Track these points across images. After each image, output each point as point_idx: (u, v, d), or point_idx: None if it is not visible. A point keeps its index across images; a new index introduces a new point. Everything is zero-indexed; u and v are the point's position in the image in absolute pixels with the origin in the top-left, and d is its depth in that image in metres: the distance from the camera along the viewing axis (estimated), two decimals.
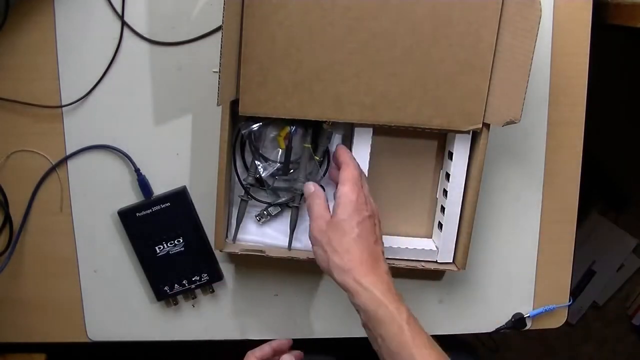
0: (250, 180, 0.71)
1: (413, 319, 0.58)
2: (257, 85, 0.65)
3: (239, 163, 0.72)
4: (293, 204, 0.72)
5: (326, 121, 0.67)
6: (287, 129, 0.68)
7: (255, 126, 0.68)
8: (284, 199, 0.72)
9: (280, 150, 0.70)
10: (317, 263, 0.62)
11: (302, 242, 0.73)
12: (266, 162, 0.70)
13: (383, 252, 0.63)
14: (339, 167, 0.65)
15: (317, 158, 0.70)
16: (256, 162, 0.70)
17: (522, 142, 0.77)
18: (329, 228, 0.61)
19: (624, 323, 1.63)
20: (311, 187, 0.66)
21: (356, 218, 0.60)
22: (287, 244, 0.73)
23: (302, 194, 0.69)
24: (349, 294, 0.59)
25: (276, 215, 0.73)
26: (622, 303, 1.62)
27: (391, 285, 0.60)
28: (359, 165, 0.66)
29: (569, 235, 0.80)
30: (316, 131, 0.70)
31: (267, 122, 0.68)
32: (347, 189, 0.62)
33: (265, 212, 0.73)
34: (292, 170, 0.71)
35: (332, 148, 0.71)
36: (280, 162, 0.70)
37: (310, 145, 0.69)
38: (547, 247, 0.80)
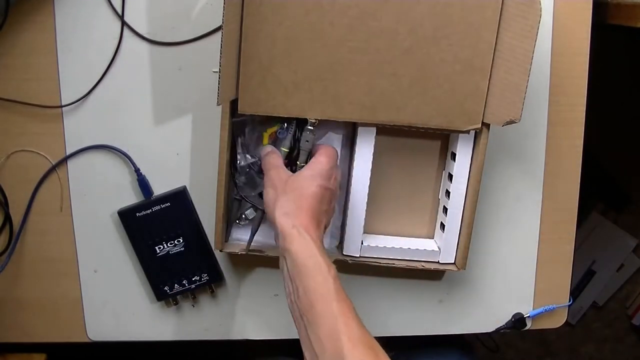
0: (243, 179, 0.71)
1: (339, 280, 0.57)
2: (256, 85, 0.65)
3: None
4: (260, 207, 0.71)
5: (313, 121, 0.67)
6: (276, 127, 0.69)
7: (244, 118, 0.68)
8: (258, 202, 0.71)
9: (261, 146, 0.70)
10: (264, 201, 0.63)
11: None
12: (247, 155, 0.70)
13: (326, 226, 0.64)
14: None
15: (300, 164, 0.68)
16: (237, 152, 0.70)
17: (522, 142, 0.77)
18: (290, 178, 0.63)
19: (624, 323, 1.63)
20: (268, 147, 0.68)
21: (319, 181, 0.62)
22: None
23: None
24: (283, 237, 0.58)
25: (253, 219, 0.73)
26: (622, 303, 1.62)
27: (324, 248, 0.60)
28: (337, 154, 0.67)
29: (569, 235, 0.80)
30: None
31: (260, 118, 0.68)
32: (323, 159, 0.64)
33: (242, 215, 0.73)
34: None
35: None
36: (258, 159, 0.69)
37: (287, 150, 0.68)
38: (547, 247, 0.80)
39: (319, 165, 0.63)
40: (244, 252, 0.71)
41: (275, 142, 0.69)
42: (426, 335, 0.80)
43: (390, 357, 0.56)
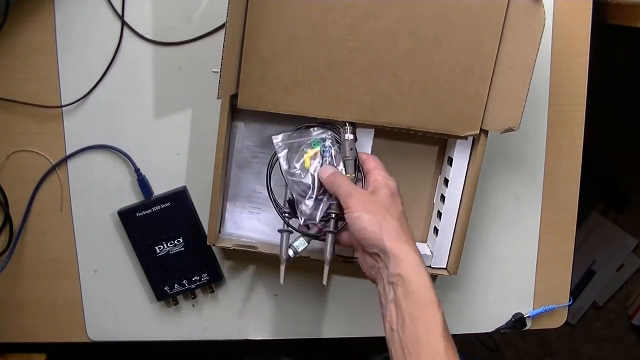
0: (287, 208, 0.66)
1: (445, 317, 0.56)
2: (257, 80, 0.65)
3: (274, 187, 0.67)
4: (329, 229, 0.65)
5: (349, 128, 0.65)
6: (317, 147, 0.65)
7: (283, 138, 0.65)
8: (313, 231, 0.65)
9: (304, 170, 0.65)
10: (356, 228, 0.59)
11: None
12: (295, 183, 0.65)
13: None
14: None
15: (351, 175, 0.64)
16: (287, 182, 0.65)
17: (522, 142, 0.77)
18: (376, 200, 0.61)
19: (624, 323, 1.63)
20: (329, 168, 0.64)
21: (399, 199, 0.62)
22: (277, 239, 0.70)
23: (336, 218, 0.64)
24: (396, 263, 0.56)
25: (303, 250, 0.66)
26: (622, 303, 1.62)
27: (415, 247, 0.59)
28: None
29: (569, 235, 0.80)
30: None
31: (300, 136, 0.66)
32: (383, 172, 0.63)
33: (291, 250, 0.65)
34: (321, 194, 0.65)
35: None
36: (309, 185, 0.65)
37: (353, 176, 0.64)
38: (547, 247, 0.80)
39: (389, 181, 0.62)
40: (236, 247, 0.70)
41: (322, 162, 0.65)
42: None
43: (382, 359, 0.56)
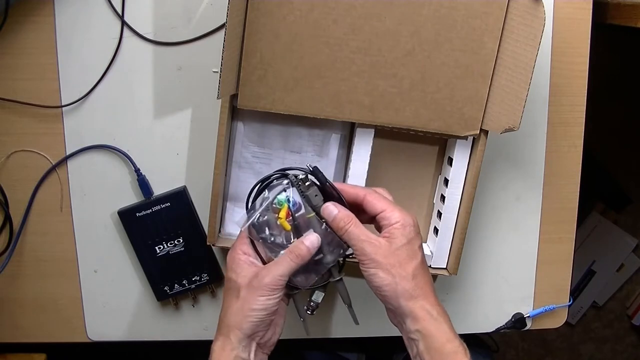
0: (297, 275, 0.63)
1: None
2: (257, 79, 0.65)
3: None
4: (334, 279, 0.63)
5: (299, 174, 0.61)
6: (285, 206, 0.60)
7: (254, 217, 0.61)
8: (317, 280, 0.63)
9: (286, 232, 0.61)
10: (372, 285, 0.59)
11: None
12: (280, 253, 0.61)
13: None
14: (357, 206, 0.61)
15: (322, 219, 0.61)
16: (273, 257, 0.61)
17: (522, 142, 0.77)
18: (392, 251, 0.58)
19: (624, 323, 1.63)
20: (332, 207, 0.60)
21: (417, 242, 0.59)
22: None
23: (338, 265, 0.64)
24: (414, 320, 0.57)
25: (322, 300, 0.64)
26: (622, 303, 1.62)
27: (451, 322, 0.58)
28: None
29: (569, 235, 0.80)
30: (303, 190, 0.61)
31: (262, 209, 0.61)
32: (400, 214, 0.59)
33: (312, 304, 0.64)
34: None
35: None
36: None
37: (312, 214, 0.61)
38: (547, 247, 0.80)
39: (405, 222, 0.59)
40: None
41: (294, 217, 0.61)
42: None
43: (402, 358, 0.56)
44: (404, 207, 0.75)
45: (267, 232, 0.61)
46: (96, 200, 0.73)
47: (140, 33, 0.70)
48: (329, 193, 0.62)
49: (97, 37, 0.70)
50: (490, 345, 0.94)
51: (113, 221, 0.74)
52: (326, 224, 0.61)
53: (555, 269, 0.81)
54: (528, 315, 0.80)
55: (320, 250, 0.61)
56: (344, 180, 0.72)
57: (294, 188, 0.61)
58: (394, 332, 0.62)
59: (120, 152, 0.72)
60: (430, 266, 0.73)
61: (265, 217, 0.61)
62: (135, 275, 0.76)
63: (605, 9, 0.80)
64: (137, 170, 0.72)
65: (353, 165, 0.70)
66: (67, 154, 0.72)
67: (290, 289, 0.63)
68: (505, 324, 0.81)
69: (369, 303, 0.76)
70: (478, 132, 0.68)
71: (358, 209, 0.61)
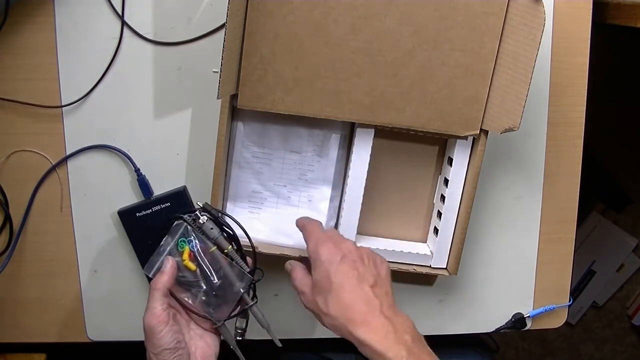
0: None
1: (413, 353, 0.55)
2: (257, 79, 0.65)
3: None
4: (247, 305, 0.65)
5: (190, 216, 0.63)
6: (186, 248, 0.63)
7: (158, 263, 0.63)
8: (234, 309, 0.65)
9: (192, 272, 0.64)
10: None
11: (294, 239, 0.73)
12: (192, 291, 0.64)
13: (376, 276, 0.59)
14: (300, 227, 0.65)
15: (228, 248, 0.64)
16: (184, 298, 0.64)
17: (522, 142, 0.77)
18: (313, 293, 0.60)
19: (624, 323, 1.63)
20: (287, 266, 0.65)
21: (332, 271, 0.58)
22: (276, 240, 0.73)
23: (250, 291, 0.66)
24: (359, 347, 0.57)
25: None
26: (622, 303, 1.62)
27: (388, 323, 0.56)
28: (315, 220, 0.66)
29: (569, 235, 0.80)
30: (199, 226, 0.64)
31: (165, 254, 0.63)
32: (312, 247, 0.61)
33: (239, 330, 0.66)
34: (218, 282, 0.64)
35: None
36: (203, 284, 0.64)
37: (214, 247, 0.63)
38: (547, 247, 0.80)
39: (315, 256, 0.60)
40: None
41: (198, 256, 0.63)
42: (434, 335, 0.80)
43: None
44: (404, 207, 0.76)
45: (177, 273, 0.63)
46: (96, 200, 0.73)
47: (140, 33, 0.70)
48: (223, 223, 0.65)
49: (97, 37, 0.70)
50: (490, 345, 0.94)
51: (113, 221, 0.74)
52: (226, 254, 0.64)
53: (555, 269, 0.81)
54: (528, 315, 0.80)
55: (228, 280, 0.64)
56: (344, 181, 0.72)
57: (190, 227, 0.64)
58: None
59: (120, 152, 0.72)
60: (430, 266, 0.73)
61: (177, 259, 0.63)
62: (135, 275, 0.76)
63: (605, 9, 0.80)
64: (137, 170, 0.72)
65: (353, 165, 0.70)
66: (67, 154, 0.72)
67: (213, 323, 0.65)
68: (505, 324, 0.81)
69: None
70: (478, 132, 0.68)
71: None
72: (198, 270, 0.64)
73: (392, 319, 0.56)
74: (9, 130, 0.71)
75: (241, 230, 0.66)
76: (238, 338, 0.66)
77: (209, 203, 0.66)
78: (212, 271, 0.64)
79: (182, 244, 0.63)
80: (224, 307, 0.65)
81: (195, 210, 0.64)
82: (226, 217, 0.66)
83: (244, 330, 0.67)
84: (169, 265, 0.62)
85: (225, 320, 0.65)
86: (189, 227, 0.64)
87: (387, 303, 0.58)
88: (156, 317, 0.59)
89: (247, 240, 0.67)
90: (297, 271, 0.63)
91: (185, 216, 0.64)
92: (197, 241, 0.64)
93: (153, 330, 0.59)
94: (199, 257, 0.64)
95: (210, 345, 0.65)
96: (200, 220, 0.64)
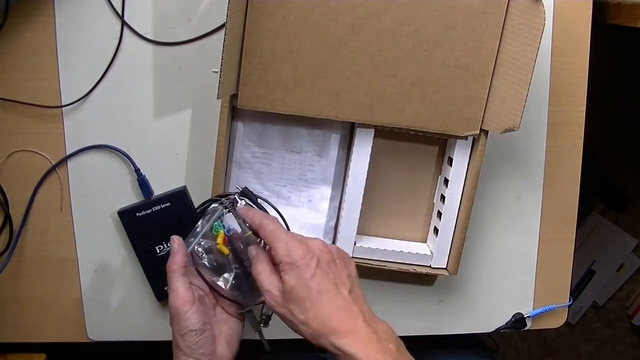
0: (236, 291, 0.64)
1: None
2: (257, 79, 0.65)
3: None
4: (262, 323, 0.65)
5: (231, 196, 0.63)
6: (221, 232, 0.62)
7: (192, 245, 0.62)
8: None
9: (225, 257, 0.63)
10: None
11: None
12: (223, 275, 0.63)
13: (349, 277, 0.57)
14: (254, 230, 0.61)
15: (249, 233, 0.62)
16: (216, 281, 0.63)
17: (523, 142, 0.77)
18: (284, 299, 0.56)
19: (624, 323, 1.63)
20: (252, 250, 0.61)
21: (307, 275, 0.55)
22: None
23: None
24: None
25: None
26: (622, 303, 1.62)
27: (372, 332, 0.54)
28: (273, 217, 0.62)
29: (569, 235, 0.80)
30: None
31: (199, 237, 0.62)
32: (282, 250, 0.56)
33: (264, 316, 0.65)
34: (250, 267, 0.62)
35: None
36: (235, 268, 0.63)
37: (249, 232, 0.62)
38: (547, 247, 0.80)
39: (286, 260, 0.55)
40: None
41: (231, 241, 0.63)
42: (433, 335, 0.80)
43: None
44: (404, 207, 0.76)
45: (209, 257, 0.63)
46: (96, 200, 0.73)
47: (140, 33, 0.70)
48: (263, 209, 0.65)
49: (97, 37, 0.70)
50: (490, 345, 0.94)
51: (113, 221, 0.74)
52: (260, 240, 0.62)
53: (555, 269, 0.81)
54: (528, 315, 0.80)
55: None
56: (344, 181, 0.72)
57: (228, 211, 0.63)
58: None
59: (120, 152, 0.72)
60: (429, 266, 0.73)
61: (203, 244, 0.63)
62: (135, 275, 0.76)
63: (605, 9, 0.81)
64: (137, 170, 0.72)
65: (353, 165, 0.70)
66: (67, 154, 0.72)
67: (241, 307, 0.64)
68: (505, 324, 0.81)
69: None
70: (478, 132, 0.68)
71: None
72: (231, 254, 0.63)
73: (375, 327, 0.54)
74: (9, 130, 0.71)
75: (279, 217, 0.66)
76: (262, 325, 0.65)
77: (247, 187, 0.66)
78: (245, 256, 0.63)
79: (217, 228, 0.63)
80: (253, 292, 0.63)
81: (234, 194, 0.64)
82: (265, 203, 0.66)
83: (269, 317, 0.64)
84: (175, 244, 0.61)
85: (252, 305, 0.64)
86: (221, 211, 0.63)
87: (366, 309, 0.56)
88: (180, 298, 0.59)
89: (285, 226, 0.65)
90: (263, 266, 0.59)
91: (224, 199, 0.64)
92: (232, 225, 0.63)
93: (178, 311, 0.58)
94: (233, 242, 0.63)
95: (234, 330, 0.64)
96: (238, 205, 0.63)
